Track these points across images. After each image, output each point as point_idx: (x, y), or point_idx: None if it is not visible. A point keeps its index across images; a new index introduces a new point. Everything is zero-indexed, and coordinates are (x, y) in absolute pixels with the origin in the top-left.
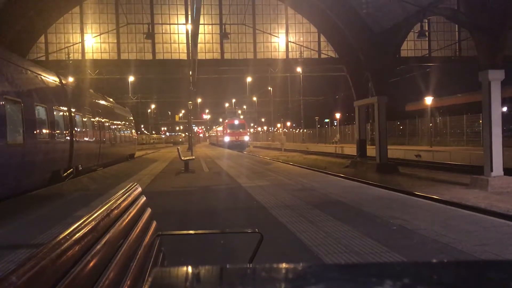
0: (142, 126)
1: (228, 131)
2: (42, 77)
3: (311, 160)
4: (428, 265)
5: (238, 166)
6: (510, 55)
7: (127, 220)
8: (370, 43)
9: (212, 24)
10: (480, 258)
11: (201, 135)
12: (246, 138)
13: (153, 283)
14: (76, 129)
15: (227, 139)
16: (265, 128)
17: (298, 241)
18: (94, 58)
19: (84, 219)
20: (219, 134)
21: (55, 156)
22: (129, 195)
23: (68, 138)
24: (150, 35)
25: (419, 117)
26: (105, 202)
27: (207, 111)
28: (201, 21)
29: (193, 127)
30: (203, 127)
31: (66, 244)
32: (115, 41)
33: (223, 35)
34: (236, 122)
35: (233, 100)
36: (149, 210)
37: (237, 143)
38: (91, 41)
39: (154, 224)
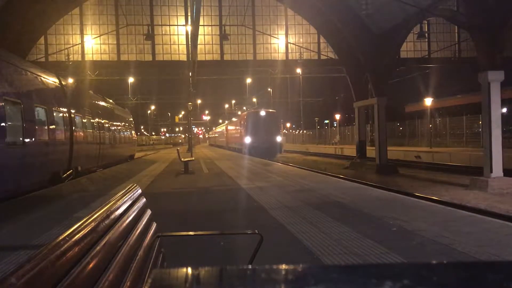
0: (141, 127)
1: (250, 128)
2: (42, 78)
3: (310, 161)
4: (428, 266)
5: (238, 167)
6: (510, 56)
7: (126, 221)
8: (369, 44)
9: (211, 25)
10: (480, 259)
11: (200, 136)
12: (279, 138)
13: (153, 284)
14: (75, 130)
15: (248, 140)
16: None
17: (297, 242)
18: (94, 59)
19: (84, 220)
20: (230, 133)
21: (54, 157)
22: (129, 196)
23: (67, 139)
24: (150, 36)
25: (418, 118)
26: (105, 203)
27: (206, 112)
28: (201, 22)
29: (193, 128)
30: (202, 128)
31: (65, 245)
32: (115, 42)
33: (223, 36)
34: (263, 113)
35: (233, 101)
36: (149, 211)
37: (264, 146)
38: (91, 42)
39: (154, 225)
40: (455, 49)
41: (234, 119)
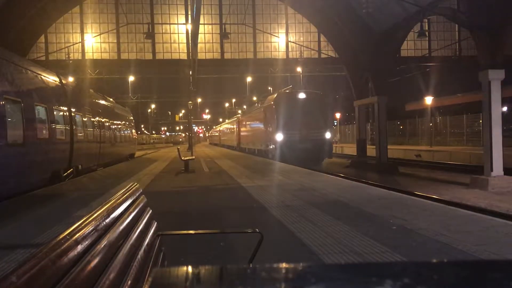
0: (142, 126)
1: (283, 118)
2: (42, 77)
3: None
4: (428, 265)
5: (238, 166)
6: (510, 55)
7: (127, 220)
8: (370, 43)
9: (212, 23)
10: (480, 257)
11: (201, 135)
12: (328, 135)
13: (153, 283)
14: (76, 129)
15: (279, 137)
16: None
17: (298, 240)
18: (94, 58)
19: (84, 219)
20: (247, 128)
21: (55, 156)
22: (129, 195)
23: (68, 138)
24: (150, 35)
25: (419, 117)
26: (105, 202)
27: (207, 111)
28: (201, 21)
29: (193, 127)
30: (203, 127)
31: (66, 244)
32: (115, 41)
33: (223, 35)
34: (303, 95)
35: (233, 100)
36: (149, 210)
37: (305, 146)
38: (91, 41)
39: (154, 224)
40: (455, 47)
41: (241, 118)
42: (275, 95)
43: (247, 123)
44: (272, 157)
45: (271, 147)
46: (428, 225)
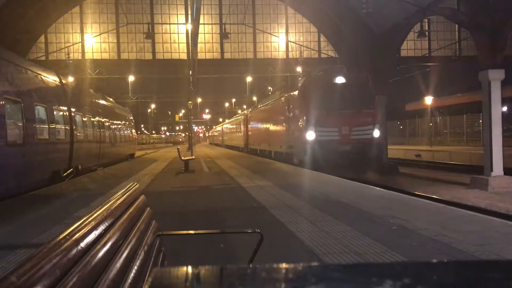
0: (142, 126)
1: (315, 112)
2: (42, 77)
3: None
4: (428, 265)
5: (238, 166)
6: (510, 55)
7: (127, 220)
8: (370, 43)
9: (212, 23)
10: (480, 258)
11: (201, 135)
12: (376, 132)
13: (153, 283)
14: (76, 129)
15: (311, 136)
16: None
17: (298, 241)
18: (94, 58)
19: (84, 219)
20: (262, 126)
21: (55, 156)
22: (129, 195)
23: (68, 138)
24: (150, 35)
25: (419, 117)
26: (105, 202)
27: (207, 110)
28: (201, 21)
29: (193, 127)
30: (203, 126)
31: (66, 244)
32: (115, 41)
33: (223, 35)
34: (341, 79)
35: (233, 100)
36: (149, 210)
37: (345, 148)
38: (91, 41)
39: (154, 224)
40: (455, 47)
41: (250, 114)
42: (305, 80)
43: (260, 119)
44: (299, 163)
45: (296, 148)
46: (428, 225)
